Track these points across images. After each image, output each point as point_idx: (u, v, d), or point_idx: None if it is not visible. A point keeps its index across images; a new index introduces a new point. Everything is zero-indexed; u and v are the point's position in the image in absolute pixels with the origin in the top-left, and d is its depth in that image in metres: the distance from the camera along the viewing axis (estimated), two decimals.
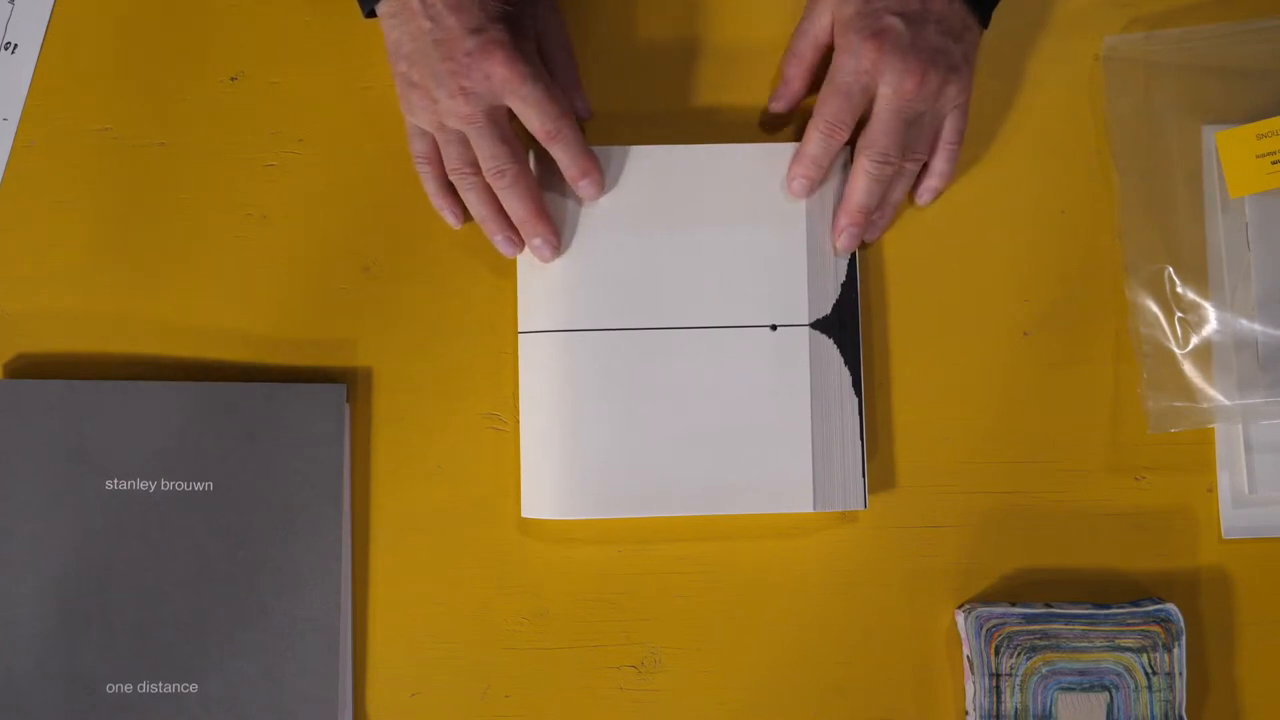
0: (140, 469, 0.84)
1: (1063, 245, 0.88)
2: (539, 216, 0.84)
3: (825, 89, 0.83)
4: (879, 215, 0.86)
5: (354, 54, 0.88)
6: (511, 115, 0.82)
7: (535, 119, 0.81)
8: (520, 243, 0.85)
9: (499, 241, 0.85)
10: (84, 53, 0.88)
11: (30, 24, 0.89)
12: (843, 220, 0.85)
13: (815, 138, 0.83)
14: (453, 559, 0.86)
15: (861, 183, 0.84)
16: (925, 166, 0.86)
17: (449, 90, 0.80)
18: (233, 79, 0.88)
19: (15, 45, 0.88)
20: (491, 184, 0.83)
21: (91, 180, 0.88)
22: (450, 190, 0.85)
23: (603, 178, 0.84)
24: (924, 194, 0.87)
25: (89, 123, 0.88)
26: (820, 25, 0.84)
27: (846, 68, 0.82)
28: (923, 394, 0.87)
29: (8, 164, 0.88)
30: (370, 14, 0.82)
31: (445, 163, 0.84)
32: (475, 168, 0.83)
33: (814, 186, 0.85)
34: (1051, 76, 0.89)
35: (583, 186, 0.84)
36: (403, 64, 0.81)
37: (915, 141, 0.84)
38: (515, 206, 0.84)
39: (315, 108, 0.88)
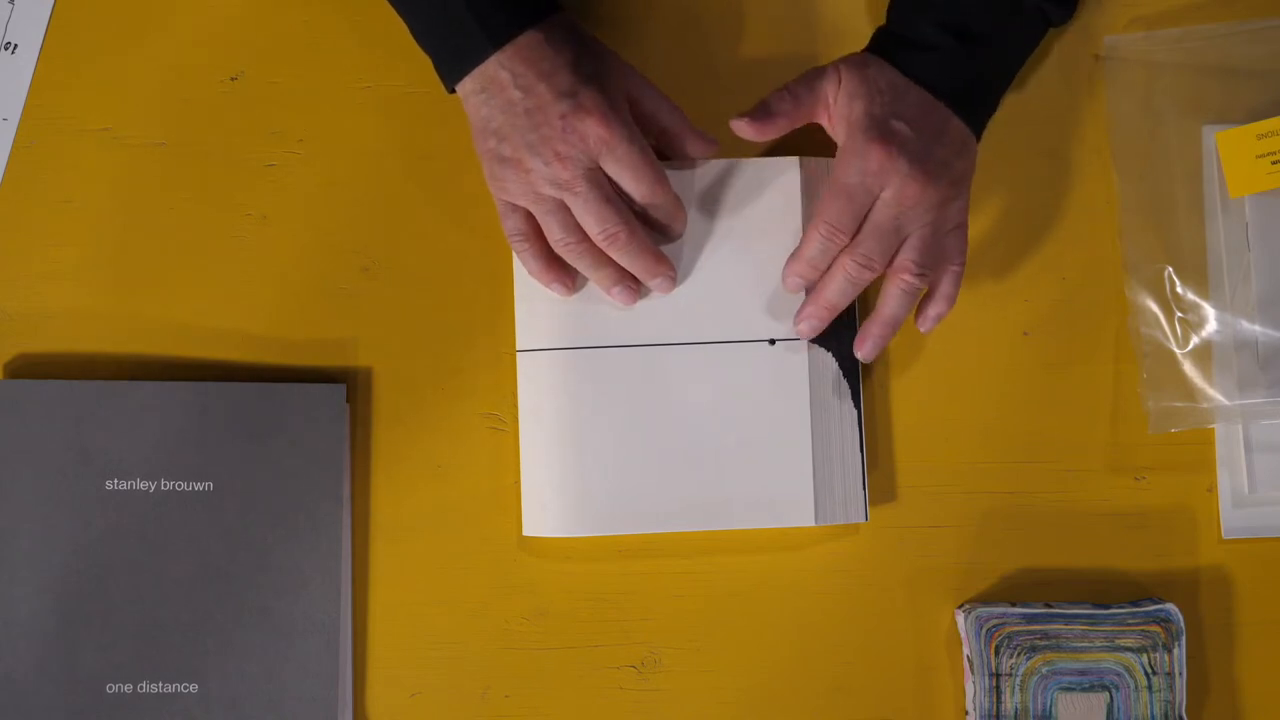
0: (140, 469, 0.84)
1: (1063, 245, 0.88)
2: (658, 260, 0.82)
3: (827, 193, 0.80)
4: (876, 331, 0.83)
5: (354, 54, 0.88)
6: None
7: (630, 181, 0.80)
8: (638, 287, 0.84)
9: (617, 293, 0.83)
10: (84, 53, 0.88)
11: (30, 24, 0.89)
12: (809, 309, 0.83)
13: (816, 240, 0.81)
14: (453, 559, 0.86)
15: (838, 283, 0.82)
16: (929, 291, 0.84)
17: (544, 158, 0.78)
18: (233, 79, 0.88)
19: (15, 45, 0.88)
20: (604, 249, 0.81)
21: (91, 180, 0.88)
22: (553, 263, 0.83)
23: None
24: (926, 322, 0.84)
25: (89, 123, 0.88)
26: (826, 88, 0.81)
27: (852, 168, 0.79)
28: (923, 394, 0.87)
29: (8, 164, 0.88)
30: (451, 90, 0.81)
31: (548, 235, 0.81)
32: (580, 234, 0.81)
33: (809, 284, 0.83)
34: (1051, 76, 0.89)
35: (676, 230, 0.84)
36: (492, 140, 0.79)
37: (923, 258, 0.81)
38: (634, 263, 0.82)
39: (315, 108, 0.88)
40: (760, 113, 0.83)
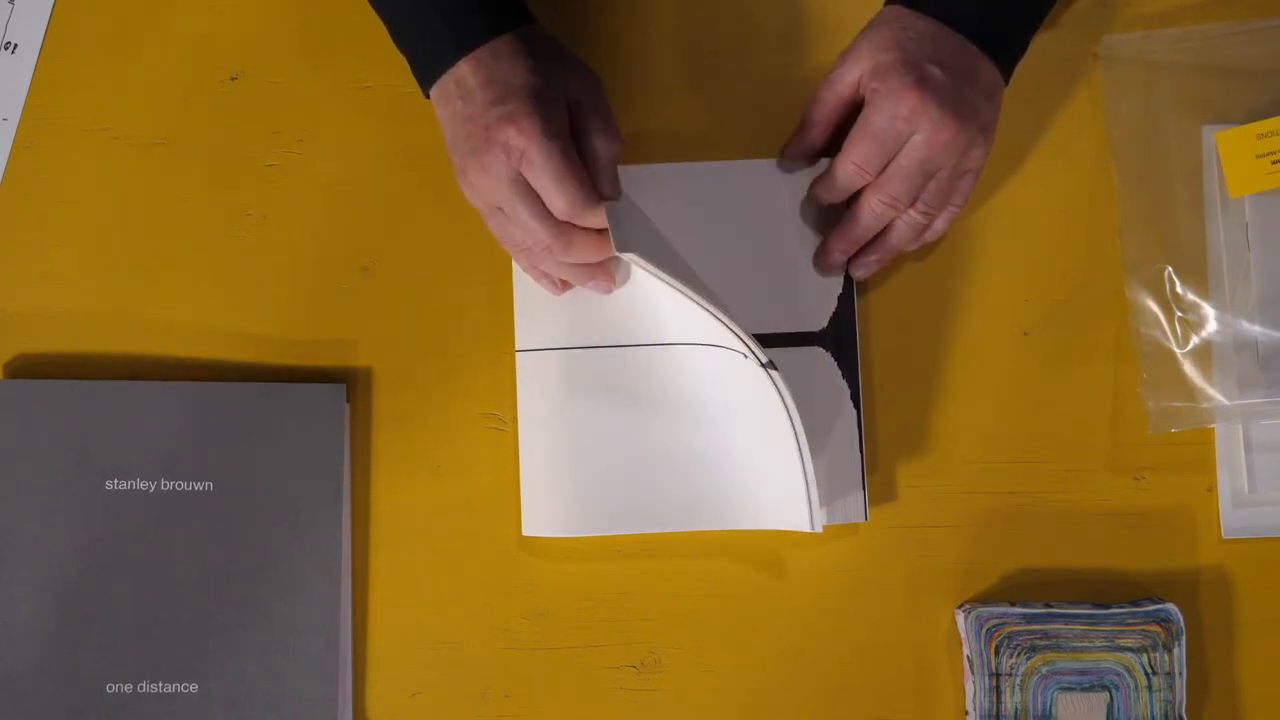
0: (140, 469, 0.84)
1: (1063, 245, 0.88)
2: (593, 272, 0.82)
3: (858, 131, 0.81)
4: (875, 257, 0.85)
5: (354, 54, 0.88)
6: None
7: (551, 194, 0.77)
8: (611, 280, 0.83)
9: (592, 287, 0.83)
10: (84, 53, 0.89)
11: (30, 24, 0.89)
12: (834, 244, 0.84)
13: (841, 176, 0.82)
14: (453, 559, 0.86)
15: (864, 219, 0.83)
16: None
17: (477, 168, 0.78)
18: (233, 79, 0.88)
19: (15, 45, 0.88)
20: (545, 259, 0.81)
21: (91, 180, 0.88)
22: None
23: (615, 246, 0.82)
24: (915, 246, 0.86)
25: (89, 123, 0.88)
26: (849, 80, 0.82)
27: (884, 111, 0.80)
28: (923, 394, 0.87)
29: (8, 164, 0.88)
30: (427, 96, 0.81)
31: (501, 244, 0.82)
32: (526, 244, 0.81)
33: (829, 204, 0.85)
34: (1051, 76, 0.89)
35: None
36: (449, 148, 0.80)
37: (932, 196, 0.82)
38: (570, 273, 0.82)
39: (315, 108, 0.88)
40: (798, 138, 0.85)
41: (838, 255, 0.85)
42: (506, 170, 0.77)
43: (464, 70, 0.78)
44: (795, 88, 0.88)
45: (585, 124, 0.79)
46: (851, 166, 0.82)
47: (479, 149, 0.77)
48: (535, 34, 0.80)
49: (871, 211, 0.83)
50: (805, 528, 0.83)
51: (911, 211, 0.83)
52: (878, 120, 0.80)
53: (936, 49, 0.80)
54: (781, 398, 0.80)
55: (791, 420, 0.81)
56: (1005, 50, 0.82)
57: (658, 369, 0.85)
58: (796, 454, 0.82)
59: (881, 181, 0.82)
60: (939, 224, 0.85)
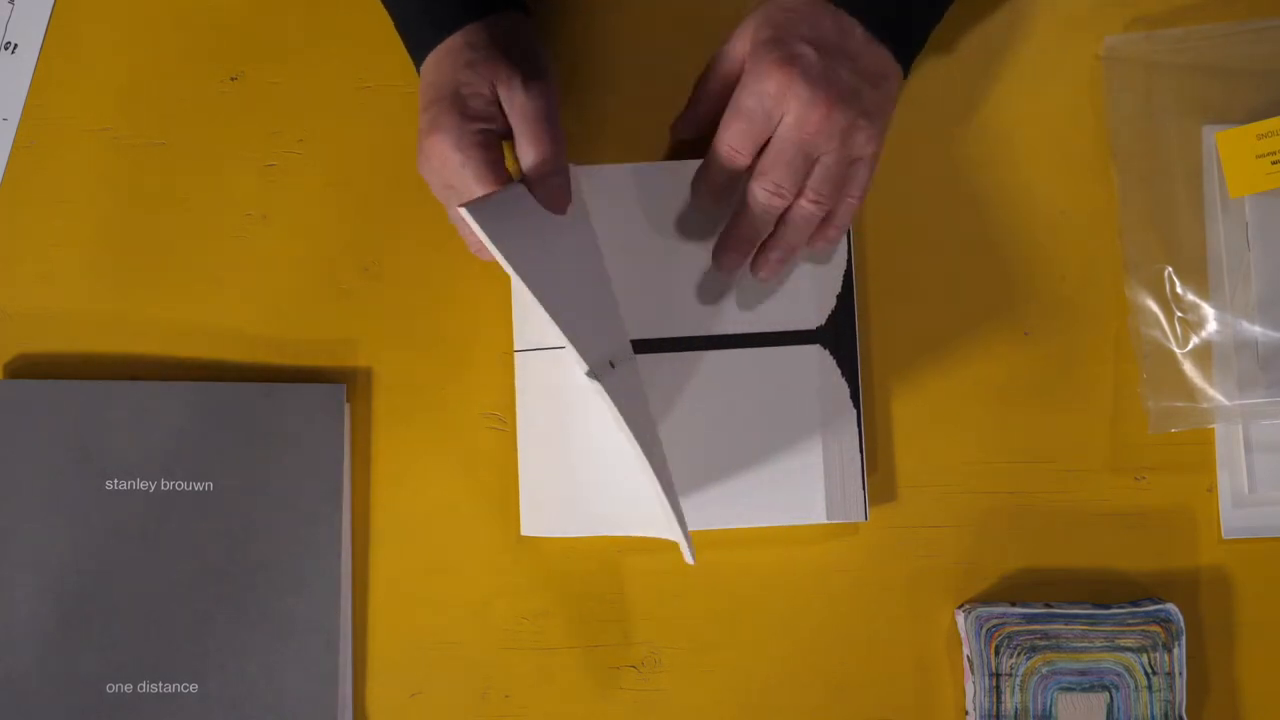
0: (140, 469, 0.84)
1: (1063, 245, 0.88)
2: None
3: (729, 110, 0.78)
4: (775, 255, 0.81)
5: (354, 54, 0.88)
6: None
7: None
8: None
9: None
10: (84, 53, 0.89)
11: (30, 24, 0.89)
12: (728, 241, 0.81)
13: (715, 160, 0.79)
14: (453, 559, 0.86)
15: (753, 210, 0.79)
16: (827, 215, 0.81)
17: (421, 163, 0.79)
18: (233, 79, 0.88)
19: (15, 45, 0.88)
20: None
21: (91, 180, 0.88)
22: None
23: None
24: (819, 243, 0.82)
25: (89, 123, 0.88)
26: (736, 52, 0.80)
27: (751, 90, 0.77)
28: (923, 394, 0.87)
29: (8, 164, 0.88)
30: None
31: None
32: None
33: (717, 201, 0.81)
34: (1051, 76, 0.89)
35: None
36: None
37: (821, 184, 0.79)
38: None
39: (315, 108, 0.88)
40: (687, 113, 0.84)
41: (733, 255, 0.81)
42: (438, 174, 0.79)
43: (424, 66, 0.80)
44: None
45: (515, 128, 0.78)
46: (725, 148, 0.79)
47: (419, 148, 0.79)
48: (497, 24, 0.79)
49: (757, 201, 0.79)
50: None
51: (803, 201, 0.79)
52: (746, 99, 0.78)
53: (814, 29, 0.77)
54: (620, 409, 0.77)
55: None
56: (898, 38, 0.79)
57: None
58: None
59: (762, 168, 0.79)
60: (838, 219, 0.81)
